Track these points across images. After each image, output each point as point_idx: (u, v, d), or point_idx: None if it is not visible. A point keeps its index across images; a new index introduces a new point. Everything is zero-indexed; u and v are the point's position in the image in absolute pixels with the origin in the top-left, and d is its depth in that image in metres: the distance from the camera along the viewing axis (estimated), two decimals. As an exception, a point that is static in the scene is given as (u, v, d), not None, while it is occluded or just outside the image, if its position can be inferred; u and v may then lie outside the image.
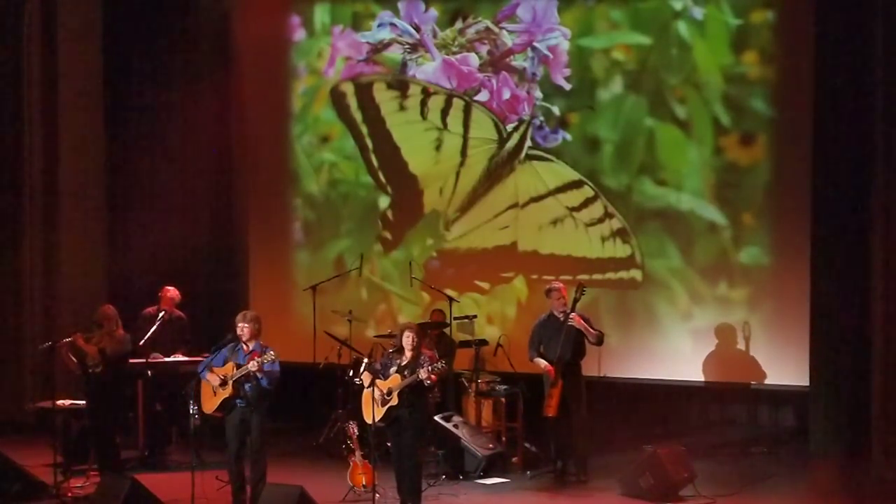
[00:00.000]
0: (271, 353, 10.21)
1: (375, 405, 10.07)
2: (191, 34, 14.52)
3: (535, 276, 13.66)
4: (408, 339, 10.17)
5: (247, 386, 10.22)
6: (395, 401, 10.07)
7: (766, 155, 12.85)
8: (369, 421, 10.18)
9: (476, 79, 13.85)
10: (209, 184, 14.76)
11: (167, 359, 12.33)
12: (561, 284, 11.68)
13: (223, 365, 10.32)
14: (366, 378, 10.28)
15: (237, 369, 10.21)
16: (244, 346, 10.33)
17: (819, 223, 12.20)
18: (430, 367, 9.97)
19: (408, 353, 10.19)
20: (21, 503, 10.86)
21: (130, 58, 14.52)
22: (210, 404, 10.37)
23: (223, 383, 10.25)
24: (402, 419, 10.10)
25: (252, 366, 10.13)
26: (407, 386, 10.03)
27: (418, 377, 9.98)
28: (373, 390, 10.08)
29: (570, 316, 11.38)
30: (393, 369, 10.17)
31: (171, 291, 12.54)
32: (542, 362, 11.45)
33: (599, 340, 11.56)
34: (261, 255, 15.02)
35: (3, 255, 14.02)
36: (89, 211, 14.42)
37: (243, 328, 10.33)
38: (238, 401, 10.25)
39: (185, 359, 12.24)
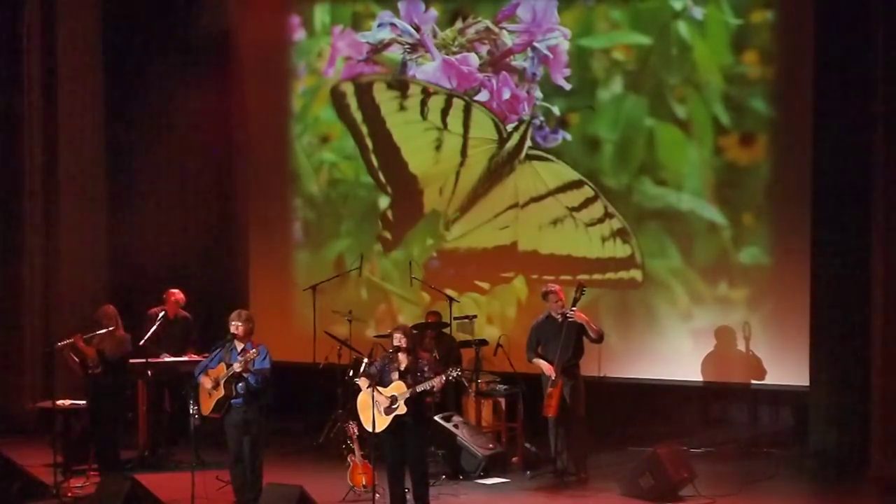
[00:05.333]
0: (253, 350, 10.18)
1: (378, 413, 9.88)
2: (191, 34, 14.51)
3: (535, 276, 13.66)
4: (397, 341, 9.90)
5: (238, 386, 10.23)
6: (402, 409, 9.82)
7: (766, 155, 12.85)
8: (370, 428, 9.99)
9: (476, 79, 13.85)
10: (209, 184, 14.77)
11: (174, 358, 12.33)
12: (557, 286, 11.67)
13: (217, 366, 10.32)
14: (363, 384, 10.11)
15: (227, 370, 10.23)
16: (237, 345, 10.33)
17: (819, 223, 12.18)
18: (443, 376, 9.76)
19: (402, 357, 9.96)
20: (21, 503, 10.86)
21: (130, 58, 14.50)
22: (206, 406, 10.40)
23: (215, 385, 10.27)
24: (408, 426, 9.91)
25: (237, 366, 10.14)
26: (416, 394, 9.83)
27: (431, 386, 9.79)
28: (373, 397, 9.85)
29: (572, 310, 11.36)
30: (394, 375, 9.95)
31: (176, 294, 12.54)
32: (542, 363, 11.44)
33: (600, 337, 11.54)
34: (261, 255, 15.01)
35: (4, 255, 14.01)
36: (89, 211, 14.40)
37: (237, 326, 10.33)
38: (233, 401, 10.26)
39: (188, 359, 12.23)
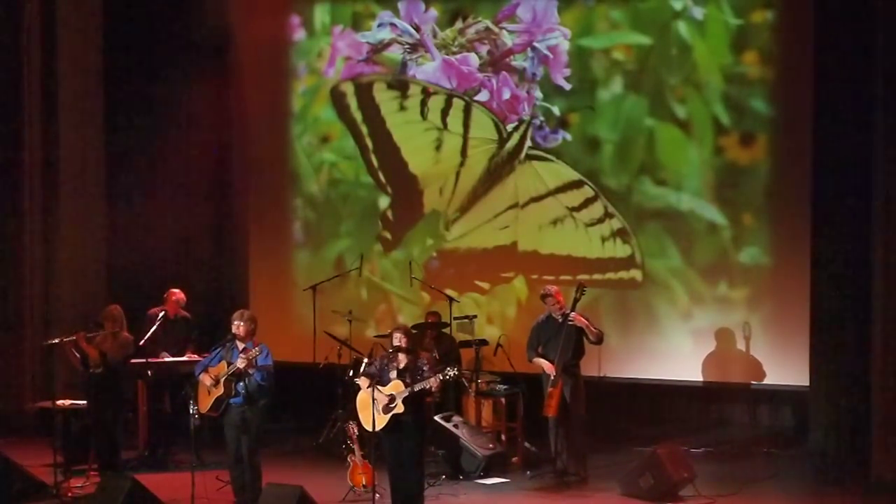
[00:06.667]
0: (256, 349, 10.19)
1: (377, 413, 9.88)
2: (191, 34, 14.52)
3: (535, 276, 13.66)
4: (397, 341, 9.92)
5: (239, 384, 10.23)
6: (400, 408, 9.83)
7: (766, 155, 12.85)
8: (369, 428, 10.00)
9: (476, 79, 13.85)
10: (209, 184, 14.77)
11: (174, 358, 12.33)
12: (555, 288, 11.67)
13: (218, 364, 10.34)
14: (362, 383, 10.14)
15: (228, 367, 10.23)
16: (238, 345, 10.34)
17: (819, 223, 12.19)
18: (440, 375, 9.77)
19: (402, 356, 9.98)
20: (21, 503, 10.86)
21: (131, 57, 14.49)
22: (204, 403, 10.41)
23: (215, 382, 10.28)
24: (406, 425, 9.91)
25: (240, 363, 10.14)
26: (414, 394, 9.84)
27: (428, 386, 9.80)
28: (373, 396, 9.84)
29: (571, 315, 11.37)
30: (392, 374, 9.97)
31: (176, 294, 12.53)
32: (543, 362, 11.44)
33: (599, 339, 11.55)
34: (261, 255, 15.01)
35: (4, 255, 14.01)
36: (89, 211, 14.40)
37: (238, 326, 10.34)
38: (232, 399, 10.27)
39: (188, 358, 12.23)
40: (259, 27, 14.66)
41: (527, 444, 12.29)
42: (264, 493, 10.08)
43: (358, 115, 14.43)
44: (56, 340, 11.52)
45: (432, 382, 9.81)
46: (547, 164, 13.66)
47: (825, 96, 12.06)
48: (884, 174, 11.56)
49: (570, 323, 11.35)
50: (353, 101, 14.45)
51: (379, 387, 9.91)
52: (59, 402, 11.90)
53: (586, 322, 11.41)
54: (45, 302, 14.10)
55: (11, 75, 13.95)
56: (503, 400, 12.58)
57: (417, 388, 9.83)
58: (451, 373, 9.90)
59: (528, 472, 11.85)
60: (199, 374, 10.43)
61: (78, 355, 11.56)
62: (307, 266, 14.74)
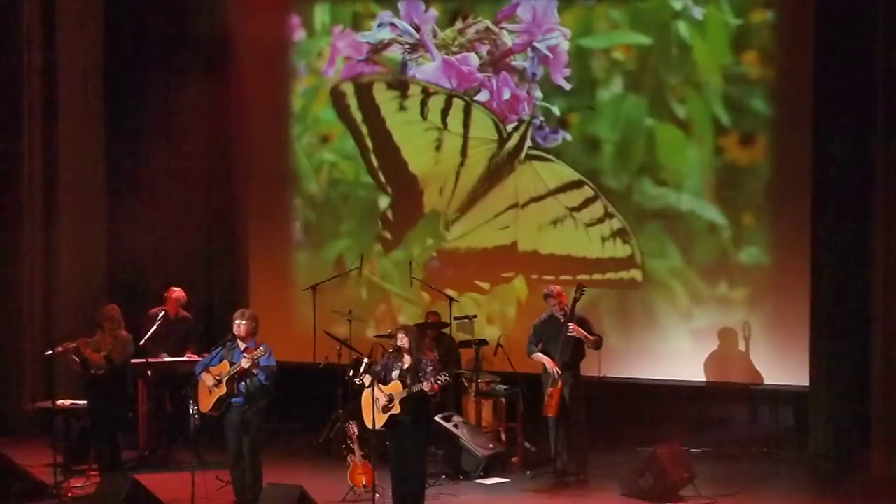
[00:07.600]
0: (261, 349, 10.20)
1: (377, 411, 9.92)
2: (191, 34, 14.51)
3: (535, 276, 13.66)
4: (402, 342, 9.95)
5: (241, 384, 10.23)
6: (397, 409, 9.87)
7: (766, 155, 12.85)
8: (370, 425, 10.03)
9: (476, 79, 13.84)
10: (209, 183, 14.76)
11: (174, 358, 12.33)
12: (558, 288, 11.67)
13: (220, 364, 10.33)
14: (366, 380, 10.14)
15: (231, 367, 10.23)
16: (239, 344, 10.34)
17: (819, 223, 12.20)
18: (433, 380, 9.77)
19: (407, 357, 10.00)
20: (21, 503, 10.86)
21: (130, 57, 14.50)
22: (206, 403, 10.42)
23: (217, 382, 10.28)
24: (405, 426, 9.93)
25: (244, 362, 10.15)
26: (411, 395, 9.87)
27: (422, 389, 9.80)
28: (373, 394, 9.89)
29: (570, 327, 11.35)
30: (395, 373, 9.98)
31: (177, 292, 12.54)
32: (544, 358, 11.43)
33: (598, 345, 11.55)
34: (261, 255, 15.01)
35: (3, 255, 14.01)
36: (89, 211, 14.39)
37: (239, 325, 10.35)
38: (234, 399, 10.28)
39: (188, 358, 12.23)
40: (259, 27, 14.64)
41: (527, 444, 12.29)
42: (264, 493, 10.09)
43: (358, 115, 14.43)
44: (59, 349, 11.44)
45: (425, 386, 9.80)
46: (547, 164, 13.66)
47: (825, 96, 12.07)
48: (883, 174, 11.58)
49: (570, 334, 11.34)
50: (353, 101, 14.45)
51: (381, 385, 9.94)
52: (59, 402, 11.90)
53: (584, 333, 11.40)
54: (46, 302, 14.10)
55: (11, 76, 13.94)
56: (503, 400, 12.59)
57: (414, 389, 9.84)
58: (443, 378, 9.88)
59: (528, 472, 11.85)
60: (200, 373, 10.44)
61: (77, 360, 11.55)
62: (307, 266, 14.73)
